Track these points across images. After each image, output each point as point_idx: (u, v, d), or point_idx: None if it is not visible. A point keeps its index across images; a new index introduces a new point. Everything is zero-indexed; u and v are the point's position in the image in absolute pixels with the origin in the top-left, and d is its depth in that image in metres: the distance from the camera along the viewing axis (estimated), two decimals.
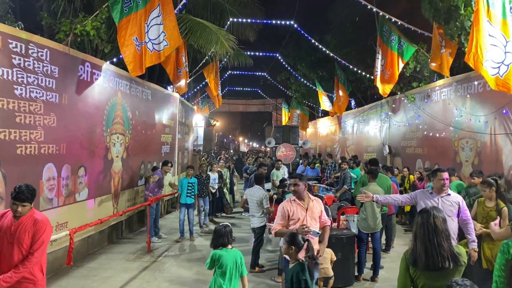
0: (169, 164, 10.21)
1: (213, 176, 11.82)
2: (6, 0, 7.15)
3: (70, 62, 7.15)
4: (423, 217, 3.16)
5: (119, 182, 9.24)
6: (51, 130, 6.58)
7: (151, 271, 7.36)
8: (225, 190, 13.50)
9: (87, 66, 7.67)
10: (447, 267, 2.93)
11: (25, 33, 6.20)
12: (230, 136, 70.02)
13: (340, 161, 13.21)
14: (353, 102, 20.27)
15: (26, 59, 6.07)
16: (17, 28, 6.64)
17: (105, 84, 8.42)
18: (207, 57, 13.97)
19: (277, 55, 22.14)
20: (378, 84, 11.29)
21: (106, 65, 8.42)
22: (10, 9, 7.33)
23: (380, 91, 11.56)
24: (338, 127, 21.62)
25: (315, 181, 12.59)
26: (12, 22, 7.05)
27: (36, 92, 6.26)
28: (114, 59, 8.84)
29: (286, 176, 12.99)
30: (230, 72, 24.23)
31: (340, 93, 17.70)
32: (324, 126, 25.20)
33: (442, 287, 2.70)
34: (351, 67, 15.49)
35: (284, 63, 22.45)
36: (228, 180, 14.15)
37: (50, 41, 6.73)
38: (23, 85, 6.01)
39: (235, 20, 13.98)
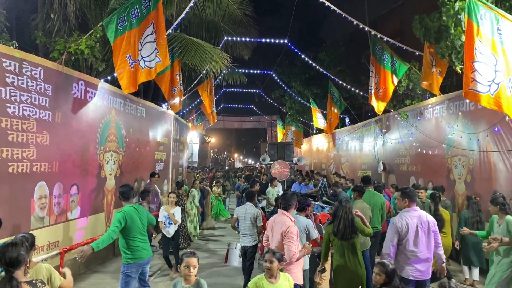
0: (156, 176, 10.68)
1: (163, 213, 8.30)
2: (1, 19, 7.19)
3: (64, 81, 7.17)
4: (345, 206, 5.40)
5: (112, 200, 9.17)
6: (43, 148, 6.56)
7: None
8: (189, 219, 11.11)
9: (81, 84, 7.70)
10: (352, 237, 5.25)
11: (19, 51, 6.22)
12: (225, 153, 69.98)
13: (333, 181, 13.25)
14: (347, 120, 20.39)
15: (19, 78, 6.08)
16: (11, 46, 6.67)
17: (99, 102, 8.43)
18: (201, 75, 14.06)
19: (272, 72, 22.34)
20: (373, 102, 11.39)
21: (100, 83, 8.44)
22: (5, 28, 7.37)
23: (376, 109, 11.66)
24: (332, 144, 21.67)
25: (310, 199, 12.54)
26: (7, 41, 7.08)
27: (29, 110, 6.26)
28: (109, 77, 8.88)
29: (280, 193, 12.96)
30: (225, 89, 24.38)
31: (332, 110, 17.83)
32: (318, 143, 25.26)
33: (345, 245, 5.28)
34: (344, 84, 15.63)
35: (278, 80, 22.64)
36: (191, 204, 11.45)
37: (44, 59, 6.76)
38: (16, 103, 6.01)
39: (229, 38, 14.13)
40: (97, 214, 8.47)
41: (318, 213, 9.86)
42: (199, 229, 12.68)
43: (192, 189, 11.77)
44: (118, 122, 9.40)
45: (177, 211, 8.36)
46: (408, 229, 4.97)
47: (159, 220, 8.16)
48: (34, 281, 3.32)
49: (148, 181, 10.59)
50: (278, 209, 5.54)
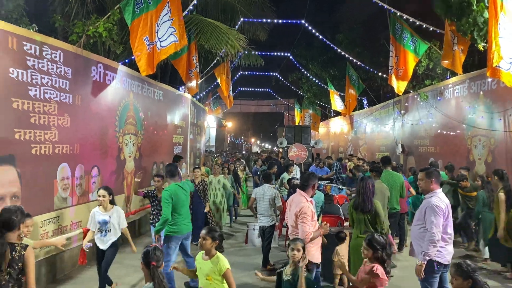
0: (181, 159, 10.38)
1: (99, 216, 6.04)
2: (21, 3, 7.27)
3: (83, 64, 7.25)
4: (364, 182, 5.59)
5: (132, 182, 9.31)
6: (65, 130, 6.68)
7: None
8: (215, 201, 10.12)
9: (100, 67, 7.77)
10: (370, 210, 5.49)
11: (39, 35, 6.30)
12: (242, 137, 70.11)
13: (351, 166, 13.18)
14: (365, 101, 20.18)
15: (40, 61, 6.17)
16: (32, 30, 6.75)
17: (117, 85, 8.51)
18: (218, 58, 14.02)
19: (289, 54, 22.13)
20: (393, 82, 11.23)
21: (119, 66, 8.51)
22: (25, 12, 7.46)
23: (396, 89, 11.50)
24: (350, 127, 21.50)
25: (328, 181, 12.54)
26: (26, 25, 7.17)
27: (50, 93, 6.36)
28: (126, 60, 8.93)
29: (298, 176, 12.96)
30: (241, 72, 24.29)
31: (350, 92, 17.65)
32: (336, 126, 25.10)
33: (364, 218, 5.53)
34: (363, 65, 15.42)
35: (295, 62, 22.43)
36: (217, 191, 10.23)
37: (63, 42, 6.83)
38: (37, 86, 6.11)
39: (245, 20, 14.01)
40: (117, 196, 8.59)
41: (335, 195, 9.88)
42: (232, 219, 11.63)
43: (210, 176, 10.54)
44: (136, 105, 9.49)
45: (118, 212, 6.10)
46: (448, 211, 4.72)
47: (88, 227, 6.08)
48: (15, 244, 3.69)
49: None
50: (297, 189, 5.57)
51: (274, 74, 28.44)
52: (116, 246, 6.04)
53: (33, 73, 6.04)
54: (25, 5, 7.46)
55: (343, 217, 7.79)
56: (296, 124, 28.32)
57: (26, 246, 3.74)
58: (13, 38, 5.69)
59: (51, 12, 8.90)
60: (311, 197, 6.49)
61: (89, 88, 7.45)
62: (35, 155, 6.07)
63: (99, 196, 6.01)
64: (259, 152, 44.78)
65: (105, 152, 8.10)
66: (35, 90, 6.08)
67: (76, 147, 7.04)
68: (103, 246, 5.97)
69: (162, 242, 6.08)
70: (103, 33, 7.32)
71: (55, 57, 6.48)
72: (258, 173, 14.86)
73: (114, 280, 6.39)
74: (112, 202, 6.10)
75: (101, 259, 6.01)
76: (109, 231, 5.95)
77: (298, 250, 4.34)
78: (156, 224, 6.42)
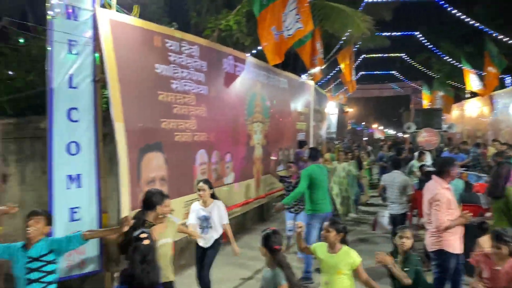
0: (306, 145, 10.70)
1: (198, 211, 5.58)
2: (162, 4, 8.02)
3: (216, 57, 7.71)
4: (498, 167, 5.43)
5: (260, 167, 9.70)
6: (202, 120, 7.20)
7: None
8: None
9: (230, 59, 8.17)
10: (499, 196, 5.13)
11: (178, 32, 6.86)
12: (364, 123, 67.94)
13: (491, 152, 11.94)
14: (509, 80, 18.00)
15: (179, 56, 6.69)
16: (172, 28, 7.40)
17: (246, 76, 8.87)
18: (341, 42, 13.76)
19: (416, 33, 20.71)
20: None
21: (247, 57, 8.88)
22: (165, 12, 8.21)
23: None
24: (489, 109, 19.40)
25: (465, 168, 11.56)
26: (167, 24, 7.89)
27: (189, 86, 6.90)
28: (253, 51, 9.27)
29: (429, 163, 12.16)
30: (364, 56, 23.47)
31: (490, 70, 15.87)
32: (472, 108, 22.86)
33: (499, 206, 5.19)
34: (504, 39, 13.76)
35: (424, 41, 20.88)
36: (342, 179, 9.99)
37: (199, 38, 7.35)
38: (178, 79, 6.67)
39: (370, 0, 13.48)
40: (248, 180, 9.05)
41: (474, 183, 9.10)
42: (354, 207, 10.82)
43: (334, 163, 10.30)
44: (263, 94, 9.81)
45: (219, 207, 5.60)
46: None
47: (189, 222, 5.58)
48: (146, 223, 4.20)
49: (301, 149, 10.77)
50: (432, 176, 5.29)
51: (399, 55, 26.90)
52: (218, 245, 5.57)
53: (174, 68, 6.59)
54: (165, 6, 8.19)
55: (484, 207, 7.17)
56: (425, 107, 26.53)
57: (152, 224, 4.24)
58: (157, 36, 6.27)
59: (184, 10, 9.63)
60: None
61: (221, 79, 7.91)
62: (178, 142, 6.65)
63: (199, 189, 5.59)
64: (382, 138, 43.03)
65: (237, 139, 8.57)
66: (176, 83, 6.63)
67: (212, 135, 7.56)
68: (204, 243, 5.49)
69: (305, 228, 6.34)
70: (233, 26, 7.70)
71: (192, 52, 7.00)
72: (384, 159, 14.33)
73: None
74: (213, 196, 5.64)
75: (201, 258, 5.55)
76: (211, 227, 5.46)
77: (408, 238, 4.23)
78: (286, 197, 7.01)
